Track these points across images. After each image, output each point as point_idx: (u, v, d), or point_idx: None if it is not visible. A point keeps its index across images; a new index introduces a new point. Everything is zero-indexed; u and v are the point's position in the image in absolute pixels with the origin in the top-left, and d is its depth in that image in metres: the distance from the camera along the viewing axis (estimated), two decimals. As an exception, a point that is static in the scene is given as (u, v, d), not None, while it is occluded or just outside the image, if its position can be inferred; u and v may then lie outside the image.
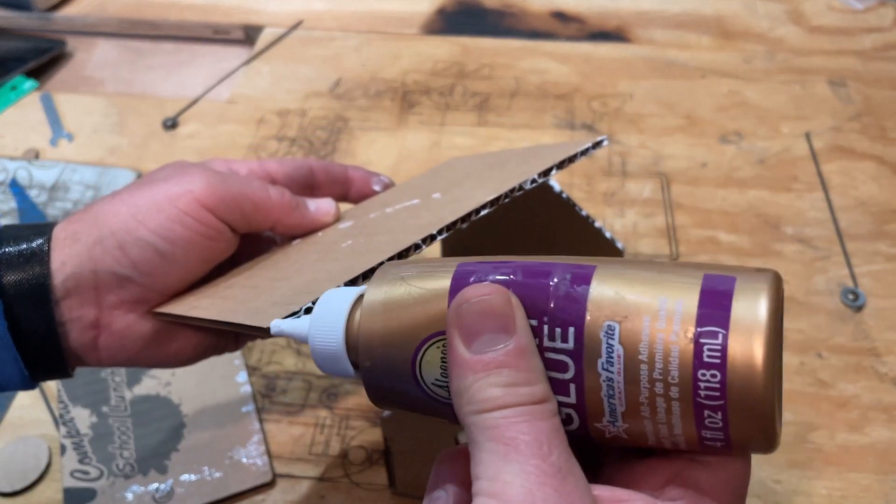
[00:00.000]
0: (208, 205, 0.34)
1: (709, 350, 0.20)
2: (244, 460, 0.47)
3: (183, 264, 0.34)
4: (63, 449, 0.47)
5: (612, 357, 0.20)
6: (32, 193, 0.66)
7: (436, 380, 0.22)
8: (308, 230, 0.38)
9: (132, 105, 0.75)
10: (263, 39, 0.82)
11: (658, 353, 0.20)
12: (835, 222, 0.61)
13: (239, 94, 0.76)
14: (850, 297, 0.55)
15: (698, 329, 0.20)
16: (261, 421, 0.49)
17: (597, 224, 0.47)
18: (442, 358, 0.22)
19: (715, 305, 0.20)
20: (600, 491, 0.21)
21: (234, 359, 0.52)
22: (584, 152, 0.33)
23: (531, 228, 0.49)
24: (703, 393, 0.20)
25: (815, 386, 0.50)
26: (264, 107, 0.74)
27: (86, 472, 0.46)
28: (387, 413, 0.40)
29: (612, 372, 0.20)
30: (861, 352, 0.52)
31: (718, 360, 0.20)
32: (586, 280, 0.21)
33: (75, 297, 0.33)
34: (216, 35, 0.84)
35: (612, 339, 0.20)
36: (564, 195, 0.46)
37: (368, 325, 0.23)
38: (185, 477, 0.46)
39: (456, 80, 0.76)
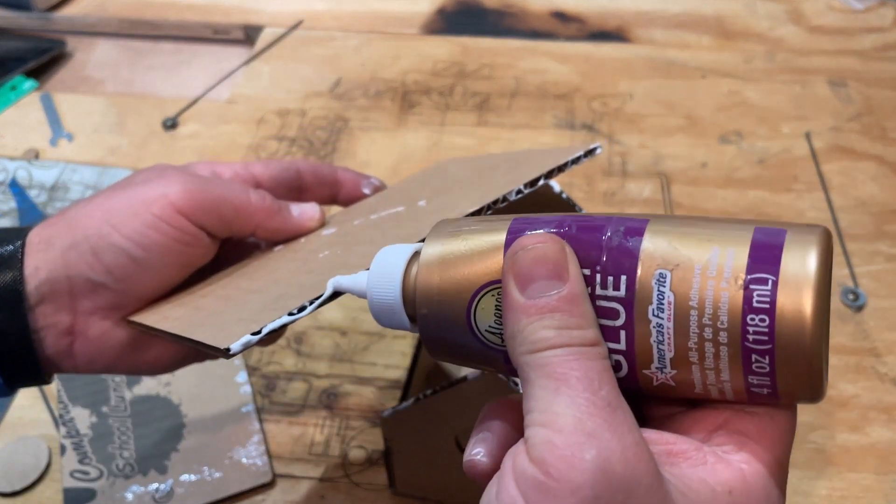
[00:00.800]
0: (184, 210, 0.33)
1: (758, 296, 0.20)
2: (244, 460, 0.47)
3: (158, 270, 0.34)
4: (63, 449, 0.47)
5: (662, 304, 0.21)
6: (32, 193, 0.66)
7: (489, 327, 0.23)
8: (291, 235, 0.37)
9: (132, 105, 0.75)
10: (263, 39, 0.82)
11: (708, 300, 0.21)
12: (835, 222, 0.61)
13: (239, 94, 0.76)
14: (851, 297, 0.55)
15: (748, 276, 0.20)
16: (261, 421, 0.49)
17: (597, 224, 0.47)
18: (496, 305, 0.23)
19: (765, 255, 0.20)
20: (648, 434, 0.22)
21: (234, 359, 0.52)
22: (576, 160, 0.32)
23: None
24: (751, 338, 0.20)
25: (816, 386, 0.50)
26: (264, 107, 0.74)
27: (86, 473, 0.46)
28: (387, 413, 0.40)
29: (662, 318, 0.21)
30: (861, 352, 0.52)
31: (768, 306, 0.20)
32: (639, 233, 0.22)
33: (49, 303, 0.32)
34: (216, 35, 0.84)
35: (664, 286, 0.21)
36: (564, 195, 0.46)
37: (425, 277, 0.24)
38: (184, 477, 0.46)
39: (456, 80, 0.76)
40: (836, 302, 0.55)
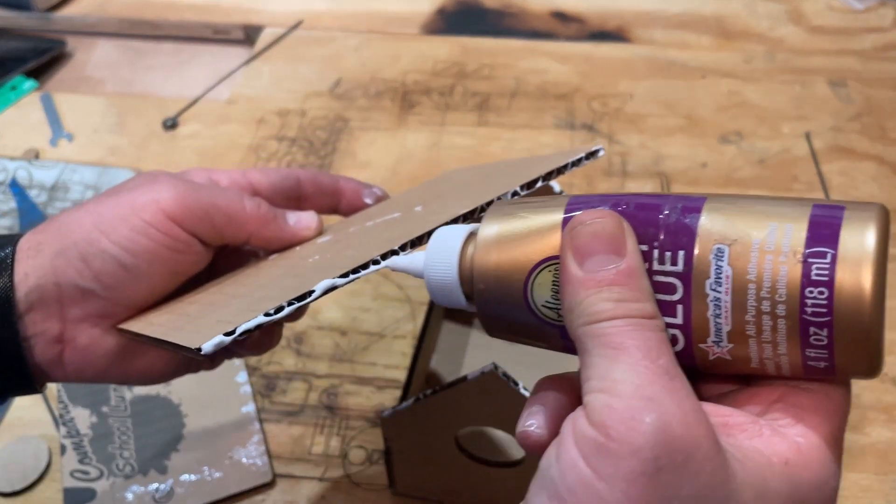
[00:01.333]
0: (175, 216, 0.32)
1: (817, 269, 0.20)
2: (244, 460, 0.47)
3: (148, 278, 0.33)
4: (63, 449, 0.47)
5: (720, 278, 0.21)
6: (32, 193, 0.66)
7: (546, 302, 0.24)
8: (286, 244, 0.37)
9: (132, 105, 0.75)
10: (263, 39, 0.82)
11: (766, 273, 0.21)
12: (835, 222, 0.61)
13: (239, 94, 0.76)
14: (851, 297, 0.55)
15: (807, 250, 0.21)
16: (261, 421, 0.49)
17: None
18: (553, 281, 0.23)
19: (824, 230, 0.21)
20: (704, 406, 0.22)
21: (235, 359, 0.52)
22: (577, 163, 0.32)
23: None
24: (809, 311, 0.20)
25: (816, 386, 0.50)
26: (264, 107, 0.74)
27: (86, 473, 0.46)
28: (387, 413, 0.40)
29: (719, 292, 0.21)
30: (861, 352, 0.52)
31: (826, 278, 0.20)
32: (697, 210, 0.22)
33: (39, 310, 0.32)
34: (216, 35, 0.84)
35: (722, 260, 0.21)
36: (565, 195, 0.46)
37: (483, 254, 0.24)
38: (184, 477, 0.46)
39: (456, 80, 0.76)
40: (836, 302, 0.55)
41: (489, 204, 0.31)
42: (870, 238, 0.20)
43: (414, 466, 0.43)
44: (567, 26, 0.84)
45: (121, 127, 0.72)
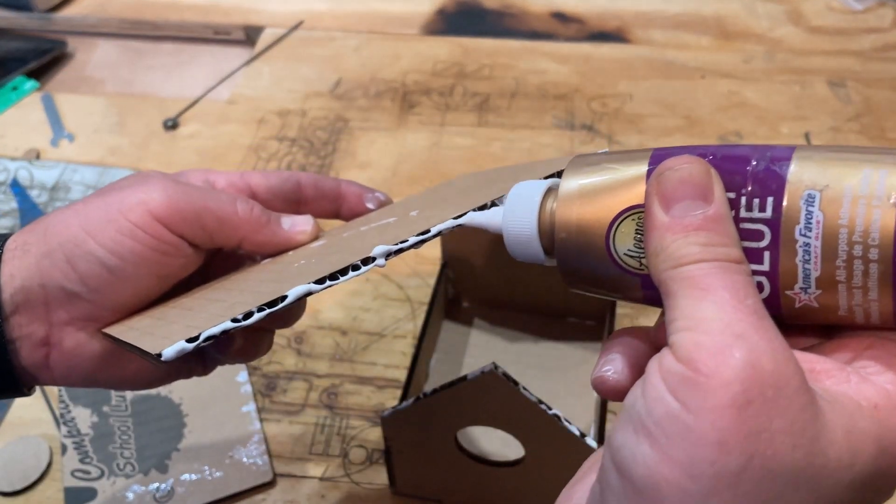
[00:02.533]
0: (162, 218, 0.32)
1: None
2: (244, 460, 0.47)
3: (135, 280, 0.32)
4: (64, 448, 0.48)
5: (810, 223, 0.21)
6: (33, 193, 0.66)
7: (628, 250, 0.24)
8: (280, 248, 0.36)
9: (132, 105, 0.75)
10: (264, 40, 0.82)
11: (859, 217, 0.21)
12: (834, 222, 0.61)
13: (239, 94, 0.76)
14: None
15: None
16: (261, 420, 0.49)
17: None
18: (636, 229, 0.23)
19: None
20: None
21: (235, 358, 0.52)
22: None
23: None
24: None
25: (815, 385, 0.50)
26: (264, 107, 0.74)
27: (86, 472, 0.46)
28: (387, 412, 0.40)
29: (809, 237, 0.21)
30: (860, 351, 0.52)
31: None
32: (786, 158, 0.22)
33: (24, 312, 0.31)
34: (216, 35, 0.85)
35: (813, 205, 0.21)
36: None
37: (565, 205, 0.24)
38: (185, 476, 0.46)
39: (456, 81, 0.76)
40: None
41: (483, 207, 0.30)
42: None
43: (414, 466, 0.44)
44: (567, 27, 0.84)
45: (121, 127, 0.73)
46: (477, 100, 0.74)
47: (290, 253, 0.35)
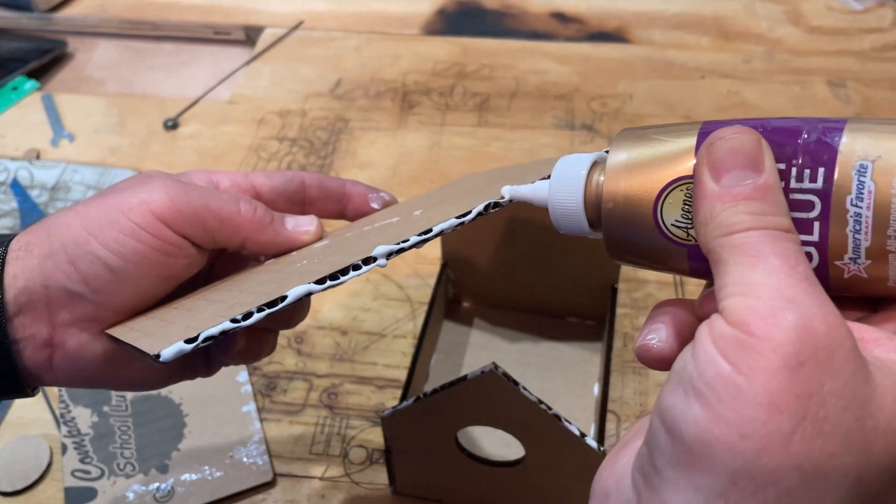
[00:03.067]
0: (164, 217, 0.31)
1: None
2: (245, 460, 0.47)
3: (137, 281, 0.32)
4: (64, 448, 0.48)
5: (862, 193, 0.21)
6: (34, 193, 0.66)
7: (676, 221, 0.24)
8: (284, 248, 0.35)
9: (133, 105, 0.75)
10: (264, 40, 0.83)
11: None
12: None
13: (239, 94, 0.76)
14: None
15: None
16: (261, 420, 0.49)
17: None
18: (685, 199, 0.23)
19: None
20: None
21: (235, 358, 0.52)
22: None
23: (530, 228, 0.49)
24: None
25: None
26: (265, 107, 0.74)
27: (87, 472, 0.46)
28: (387, 412, 0.40)
29: (860, 207, 0.21)
30: (860, 351, 0.52)
31: None
32: (838, 129, 0.22)
33: (28, 313, 0.31)
34: (217, 35, 0.85)
35: (864, 176, 0.21)
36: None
37: (613, 175, 0.25)
38: (185, 476, 0.46)
39: (456, 81, 0.77)
40: (834, 302, 0.55)
41: (486, 208, 0.30)
42: None
43: (414, 466, 0.44)
44: (567, 27, 0.84)
45: (121, 127, 0.73)
46: (477, 100, 0.74)
47: (294, 253, 0.35)
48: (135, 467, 0.47)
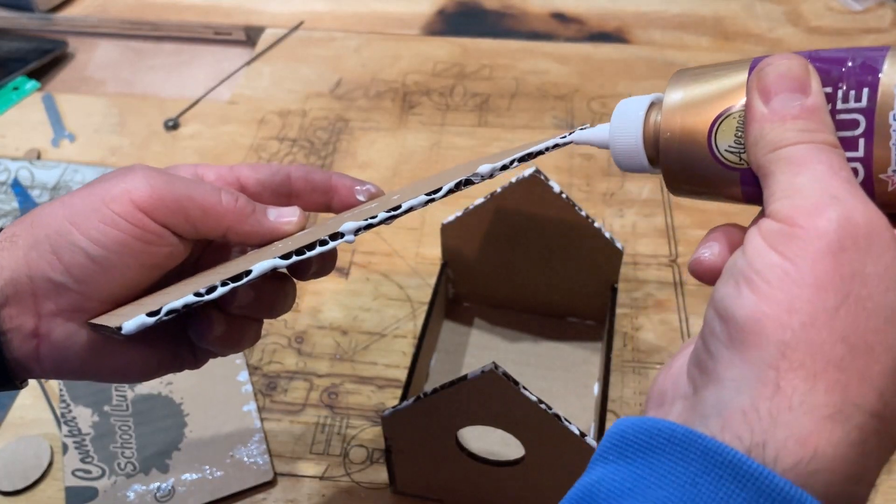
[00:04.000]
0: (145, 207, 0.32)
1: None
2: (245, 459, 0.47)
3: (120, 270, 0.32)
4: (65, 448, 0.48)
5: None
6: (34, 193, 0.66)
7: (729, 146, 0.25)
8: (266, 239, 0.35)
9: (133, 105, 0.75)
10: (264, 40, 0.83)
11: None
12: (833, 222, 0.61)
13: (240, 94, 0.76)
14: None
15: None
16: (262, 420, 0.49)
17: (596, 224, 0.47)
18: (737, 126, 0.25)
19: None
20: None
21: (236, 358, 0.52)
22: (557, 146, 0.32)
23: (531, 228, 0.49)
24: None
25: (814, 385, 0.50)
26: (265, 107, 0.74)
27: (87, 471, 0.47)
28: (387, 412, 0.40)
29: None
30: (859, 351, 0.52)
31: None
32: (882, 54, 0.24)
33: (14, 304, 0.31)
34: (217, 36, 0.85)
35: None
36: (564, 195, 0.46)
37: (669, 111, 0.26)
38: (186, 476, 0.46)
39: (456, 81, 0.77)
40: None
41: (458, 186, 0.30)
42: None
43: (414, 465, 0.44)
44: (567, 27, 0.84)
45: (122, 127, 0.73)
46: (477, 100, 0.74)
47: (276, 242, 0.35)
48: (135, 467, 0.47)
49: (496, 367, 0.36)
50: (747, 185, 0.25)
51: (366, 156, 0.69)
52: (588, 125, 0.31)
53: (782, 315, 0.21)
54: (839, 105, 0.24)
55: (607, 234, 0.48)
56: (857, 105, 0.24)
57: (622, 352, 0.53)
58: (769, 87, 0.24)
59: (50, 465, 0.47)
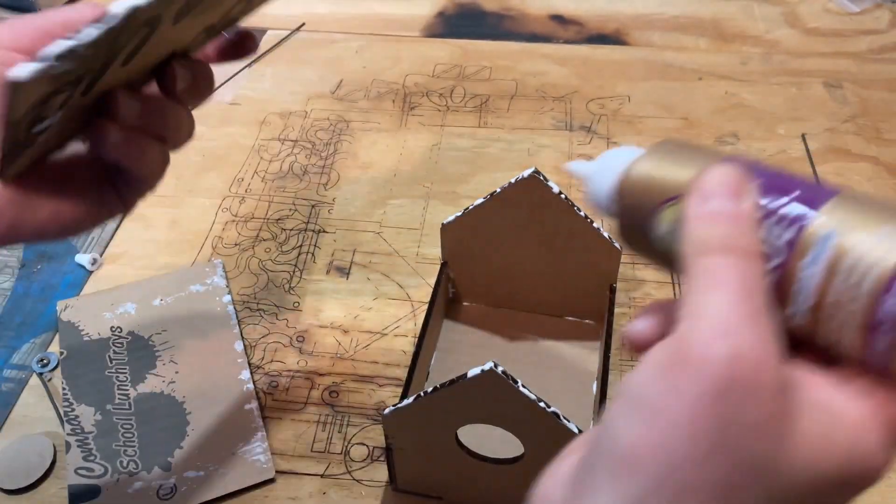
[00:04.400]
0: (5, 42, 0.32)
1: None
2: (247, 457, 0.47)
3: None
4: (68, 446, 0.48)
5: (818, 259, 0.23)
6: (36, 194, 0.66)
7: (667, 231, 0.26)
8: None
9: (135, 107, 0.75)
10: (266, 42, 0.83)
11: (860, 267, 0.22)
12: (830, 223, 0.61)
13: (242, 95, 0.76)
14: (846, 296, 0.55)
15: None
16: (263, 418, 0.50)
17: (595, 224, 0.48)
18: (677, 217, 0.26)
19: None
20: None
21: (238, 357, 0.53)
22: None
23: (530, 229, 0.49)
24: (880, 316, 0.22)
25: (811, 384, 0.51)
26: (267, 108, 0.74)
27: (90, 470, 0.47)
28: (388, 410, 0.40)
29: (814, 271, 0.23)
30: (856, 350, 0.52)
31: None
32: (827, 197, 0.24)
33: None
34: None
35: (826, 243, 0.23)
36: (563, 195, 0.47)
37: (632, 178, 0.28)
38: (188, 474, 0.47)
39: (456, 82, 0.77)
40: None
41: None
42: None
43: (414, 463, 0.44)
44: (566, 29, 0.84)
45: (124, 128, 0.73)
46: (477, 101, 0.75)
47: None
48: (138, 465, 0.47)
49: (496, 365, 0.36)
50: (677, 269, 0.26)
51: (366, 156, 0.69)
52: (582, 160, 0.32)
53: (657, 452, 0.21)
54: (769, 230, 0.24)
55: (606, 234, 0.48)
56: (783, 238, 0.24)
57: (621, 351, 0.53)
58: (707, 189, 0.24)
59: (53, 463, 0.48)
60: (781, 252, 0.24)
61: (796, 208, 0.24)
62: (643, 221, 0.27)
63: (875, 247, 0.22)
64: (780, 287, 0.24)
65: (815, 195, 0.24)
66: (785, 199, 0.24)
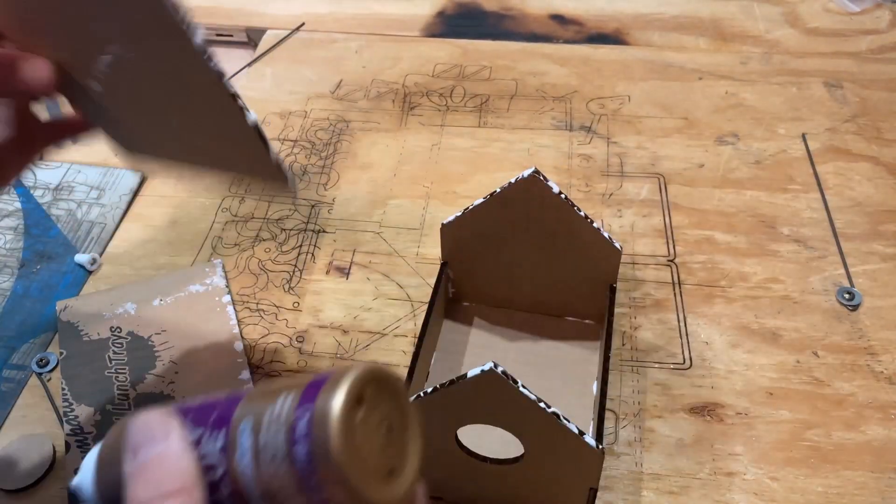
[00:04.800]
0: None
1: (301, 426, 0.24)
2: (247, 458, 0.47)
3: None
4: (67, 447, 0.48)
5: (245, 449, 0.25)
6: (37, 194, 0.67)
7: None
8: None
9: (135, 107, 0.75)
10: (265, 42, 0.83)
11: (271, 439, 0.24)
12: (830, 222, 0.61)
13: (241, 95, 0.76)
14: (846, 296, 0.55)
15: (296, 411, 0.24)
16: (263, 419, 0.50)
17: (595, 224, 0.48)
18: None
19: (310, 393, 0.24)
20: None
21: (237, 357, 0.53)
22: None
23: (529, 229, 0.49)
24: (298, 465, 0.23)
25: (812, 384, 0.51)
26: (266, 108, 0.74)
27: (90, 470, 0.47)
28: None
29: (245, 462, 0.25)
30: (857, 351, 0.52)
31: (306, 433, 0.23)
32: (237, 399, 0.26)
33: None
34: (219, 37, 0.85)
35: (245, 434, 0.25)
36: (563, 195, 0.47)
37: (95, 458, 0.29)
38: (188, 474, 0.47)
39: (456, 82, 0.77)
40: (832, 301, 0.55)
41: None
42: (339, 396, 0.23)
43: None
44: (566, 29, 0.84)
45: (123, 128, 0.73)
46: (477, 101, 0.74)
47: None
48: (138, 465, 0.47)
49: (496, 366, 0.36)
50: None
51: (366, 156, 0.69)
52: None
53: None
54: (204, 448, 0.25)
55: (606, 234, 0.48)
56: (218, 445, 0.25)
57: (621, 351, 0.53)
58: (134, 442, 0.25)
59: (52, 463, 0.48)
60: (222, 459, 0.25)
61: (219, 418, 0.26)
62: (107, 493, 0.28)
63: (277, 412, 0.24)
64: (236, 492, 0.25)
65: (231, 403, 0.26)
66: (213, 416, 0.26)
